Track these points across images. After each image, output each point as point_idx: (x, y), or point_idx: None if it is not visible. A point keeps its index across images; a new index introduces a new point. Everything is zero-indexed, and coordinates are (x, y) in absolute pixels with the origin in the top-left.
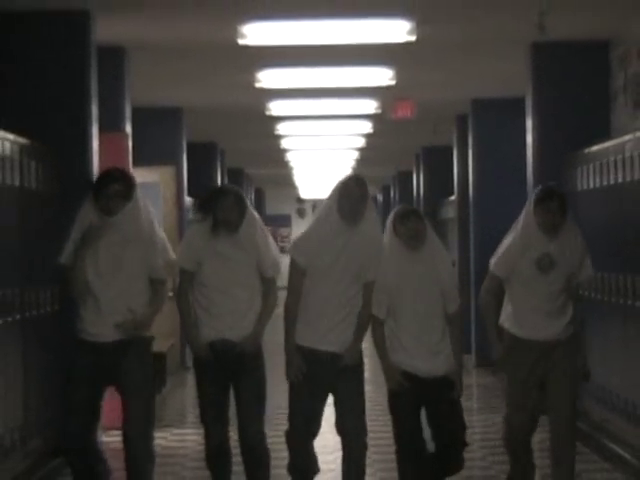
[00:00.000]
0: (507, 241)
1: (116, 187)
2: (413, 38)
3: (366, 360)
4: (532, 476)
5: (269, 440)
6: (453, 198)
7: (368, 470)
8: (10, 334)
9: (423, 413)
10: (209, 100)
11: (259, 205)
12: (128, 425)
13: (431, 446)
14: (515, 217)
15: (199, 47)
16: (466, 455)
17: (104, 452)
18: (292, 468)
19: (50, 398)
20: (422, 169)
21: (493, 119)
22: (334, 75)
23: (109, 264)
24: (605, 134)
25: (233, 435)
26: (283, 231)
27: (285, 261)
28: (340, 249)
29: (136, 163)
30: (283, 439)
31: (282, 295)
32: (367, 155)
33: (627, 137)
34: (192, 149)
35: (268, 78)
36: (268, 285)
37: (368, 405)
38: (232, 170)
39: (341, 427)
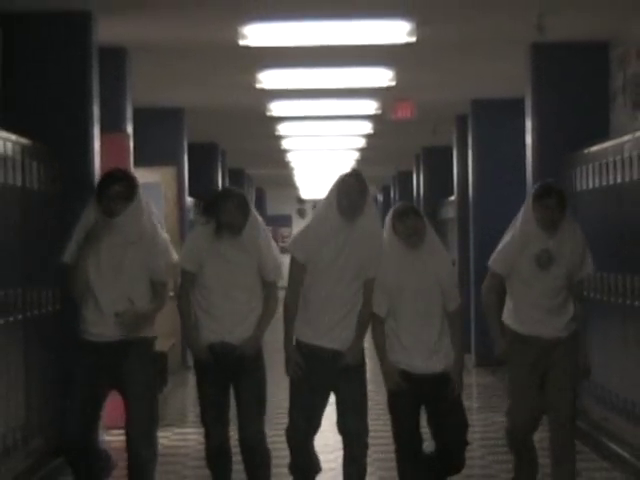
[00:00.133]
0: (506, 238)
1: (117, 188)
2: (413, 39)
3: (367, 360)
4: (535, 476)
5: (270, 439)
6: (453, 198)
7: (368, 469)
8: (12, 334)
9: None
10: (210, 101)
11: (260, 205)
12: (131, 427)
13: (431, 445)
14: (514, 217)
15: (200, 48)
16: (466, 454)
17: (105, 451)
18: (293, 467)
19: (51, 398)
20: (422, 169)
21: (493, 119)
22: (334, 76)
23: (110, 265)
24: (604, 134)
25: (234, 435)
26: (284, 231)
27: (286, 262)
28: (340, 245)
29: (137, 163)
30: (284, 438)
31: (283, 296)
32: (367, 155)
33: (626, 137)
34: (193, 149)
35: (269, 79)
36: (269, 288)
37: (368, 404)
38: (233, 170)
39: (342, 427)
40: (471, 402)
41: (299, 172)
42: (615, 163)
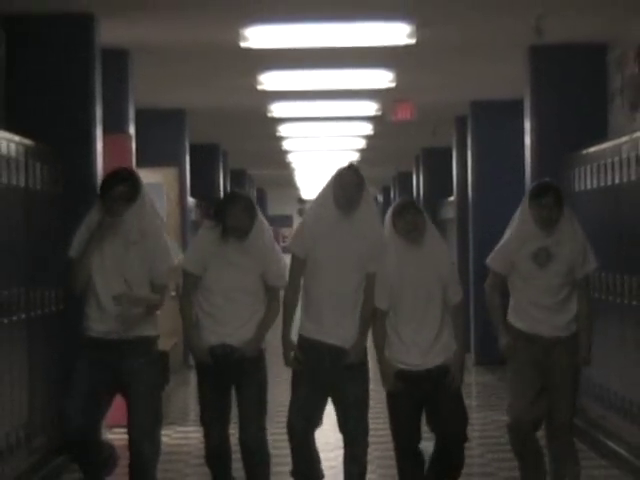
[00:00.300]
0: (504, 237)
1: (121, 189)
2: (413, 41)
3: (369, 358)
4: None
5: (271, 437)
6: (452, 199)
7: (368, 467)
8: (15, 333)
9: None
10: (212, 102)
11: (261, 206)
12: (133, 426)
13: (430, 446)
14: (513, 216)
15: (202, 50)
16: (465, 453)
17: (108, 443)
18: (295, 472)
19: (55, 397)
20: (422, 170)
21: (492, 121)
22: (335, 77)
23: (113, 264)
24: (602, 135)
25: (234, 433)
26: (285, 231)
27: (288, 262)
28: (337, 239)
29: (139, 164)
30: (285, 437)
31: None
32: (367, 156)
33: (624, 139)
34: (195, 150)
35: (270, 80)
36: (272, 293)
37: (369, 403)
38: (234, 171)
39: (343, 426)
40: (470, 401)
41: (300, 173)
42: (613, 164)
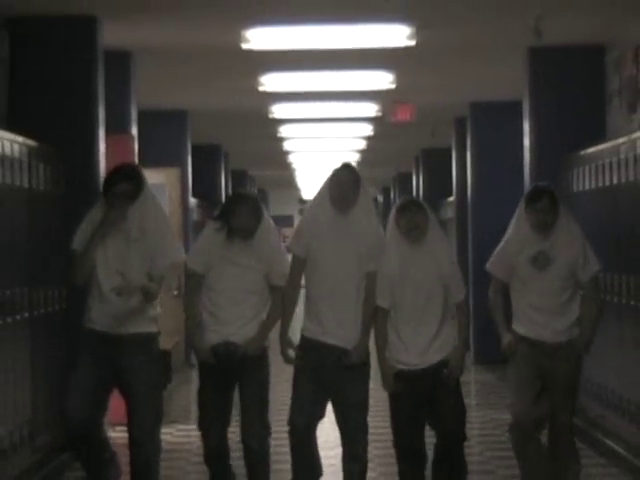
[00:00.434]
0: (502, 241)
1: (124, 186)
2: (413, 43)
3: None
4: None
5: (273, 434)
6: (452, 199)
7: (369, 465)
8: (18, 332)
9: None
10: (213, 103)
11: None
12: (133, 425)
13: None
14: (512, 218)
15: (204, 51)
16: (466, 456)
17: (111, 448)
18: (295, 474)
19: (57, 395)
20: (421, 171)
21: (491, 122)
22: (336, 79)
23: (116, 260)
24: (601, 136)
25: (235, 432)
26: (285, 231)
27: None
28: (334, 238)
29: (142, 165)
30: (285, 435)
31: None
32: (368, 157)
33: (622, 139)
34: (197, 151)
35: (271, 82)
36: (276, 292)
37: (369, 401)
38: (236, 172)
39: (343, 425)
40: (469, 399)
41: (301, 173)
42: (611, 164)
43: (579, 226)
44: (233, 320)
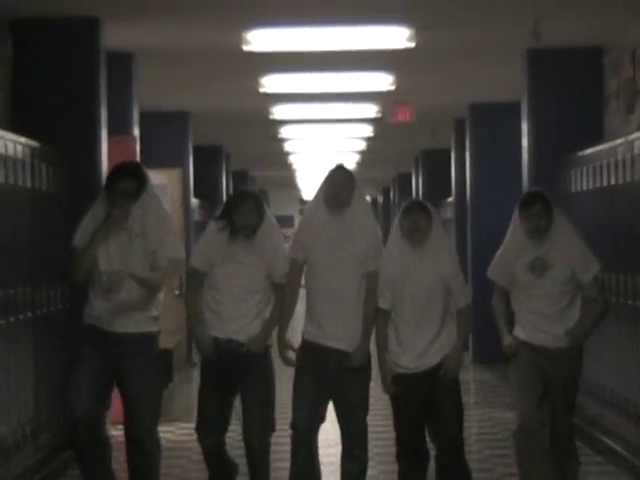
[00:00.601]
0: (501, 248)
1: (126, 184)
2: (412, 45)
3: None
4: None
5: (276, 434)
6: (451, 199)
7: (369, 463)
8: (21, 332)
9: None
10: (215, 104)
11: None
12: (133, 425)
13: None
14: (511, 218)
15: (205, 53)
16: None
17: (110, 454)
18: (293, 477)
19: (60, 394)
20: (421, 171)
21: (490, 123)
22: (336, 80)
23: (118, 257)
24: (598, 137)
25: (237, 430)
26: (286, 231)
27: None
28: (330, 239)
29: (144, 165)
30: (284, 433)
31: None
32: (368, 158)
33: (619, 140)
34: (198, 152)
35: (272, 83)
36: (278, 290)
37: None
38: (237, 172)
39: (343, 426)
40: (468, 398)
41: (301, 174)
42: (609, 165)
43: (575, 228)
44: (236, 318)
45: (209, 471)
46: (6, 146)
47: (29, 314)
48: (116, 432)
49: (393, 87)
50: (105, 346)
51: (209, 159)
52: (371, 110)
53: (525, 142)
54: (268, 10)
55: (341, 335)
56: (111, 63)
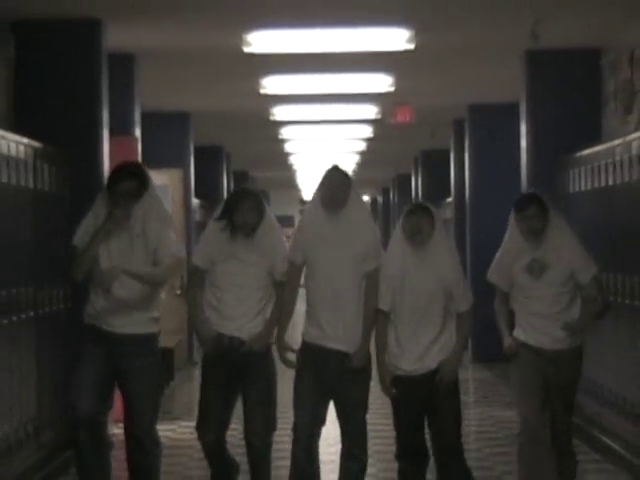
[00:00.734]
0: (499, 251)
1: (128, 184)
2: (412, 46)
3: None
4: None
5: (276, 433)
6: (450, 200)
7: (368, 461)
8: (24, 331)
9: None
10: (215, 105)
11: None
12: (133, 424)
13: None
14: (509, 220)
15: (206, 54)
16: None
17: (112, 442)
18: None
19: (62, 393)
20: (420, 172)
21: (489, 124)
22: (336, 81)
23: (120, 256)
24: (597, 138)
25: (239, 429)
26: (286, 231)
27: None
28: (329, 240)
29: (145, 166)
30: (284, 432)
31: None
32: (368, 158)
33: (617, 141)
34: (199, 152)
35: (272, 84)
36: (280, 288)
37: (369, 399)
38: (237, 173)
39: (343, 426)
40: (467, 396)
41: (301, 174)
42: (607, 166)
43: (572, 229)
44: (238, 316)
45: (211, 469)
46: (8, 147)
47: (31, 313)
48: (118, 430)
49: (393, 88)
50: (105, 346)
51: (210, 160)
52: (371, 111)
53: (524, 143)
54: (268, 12)
55: (341, 336)
56: (112, 64)
